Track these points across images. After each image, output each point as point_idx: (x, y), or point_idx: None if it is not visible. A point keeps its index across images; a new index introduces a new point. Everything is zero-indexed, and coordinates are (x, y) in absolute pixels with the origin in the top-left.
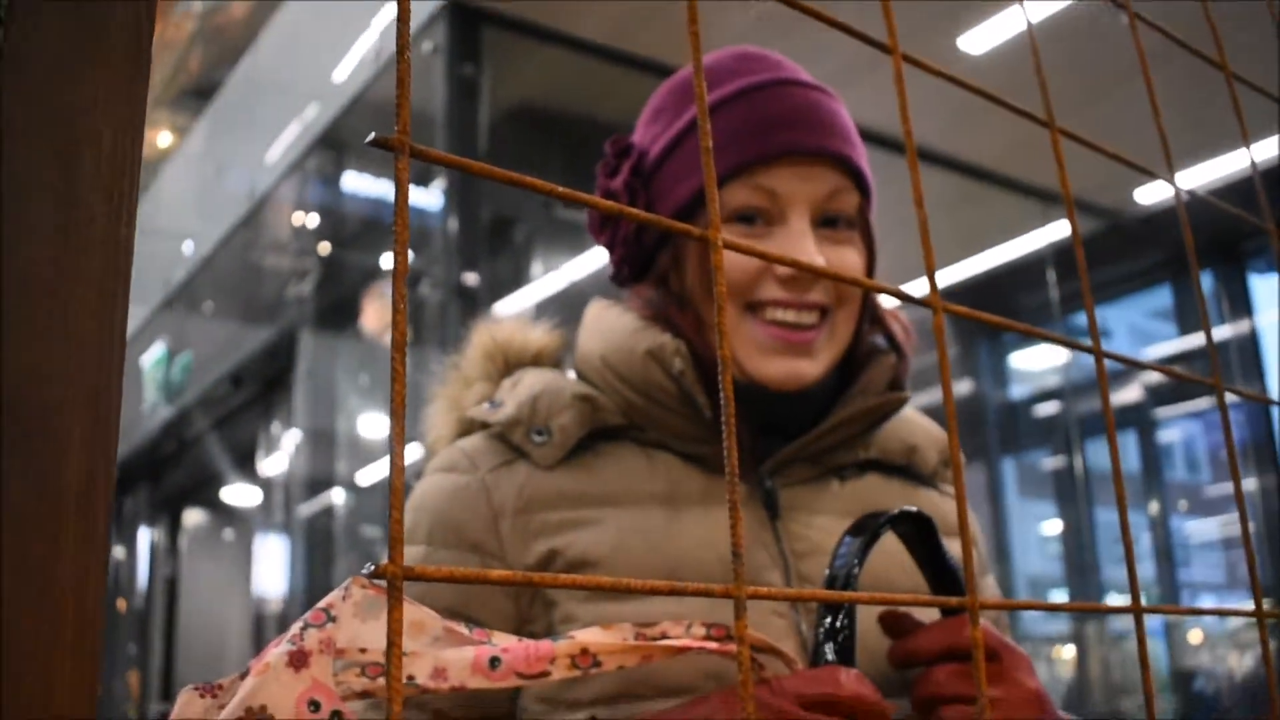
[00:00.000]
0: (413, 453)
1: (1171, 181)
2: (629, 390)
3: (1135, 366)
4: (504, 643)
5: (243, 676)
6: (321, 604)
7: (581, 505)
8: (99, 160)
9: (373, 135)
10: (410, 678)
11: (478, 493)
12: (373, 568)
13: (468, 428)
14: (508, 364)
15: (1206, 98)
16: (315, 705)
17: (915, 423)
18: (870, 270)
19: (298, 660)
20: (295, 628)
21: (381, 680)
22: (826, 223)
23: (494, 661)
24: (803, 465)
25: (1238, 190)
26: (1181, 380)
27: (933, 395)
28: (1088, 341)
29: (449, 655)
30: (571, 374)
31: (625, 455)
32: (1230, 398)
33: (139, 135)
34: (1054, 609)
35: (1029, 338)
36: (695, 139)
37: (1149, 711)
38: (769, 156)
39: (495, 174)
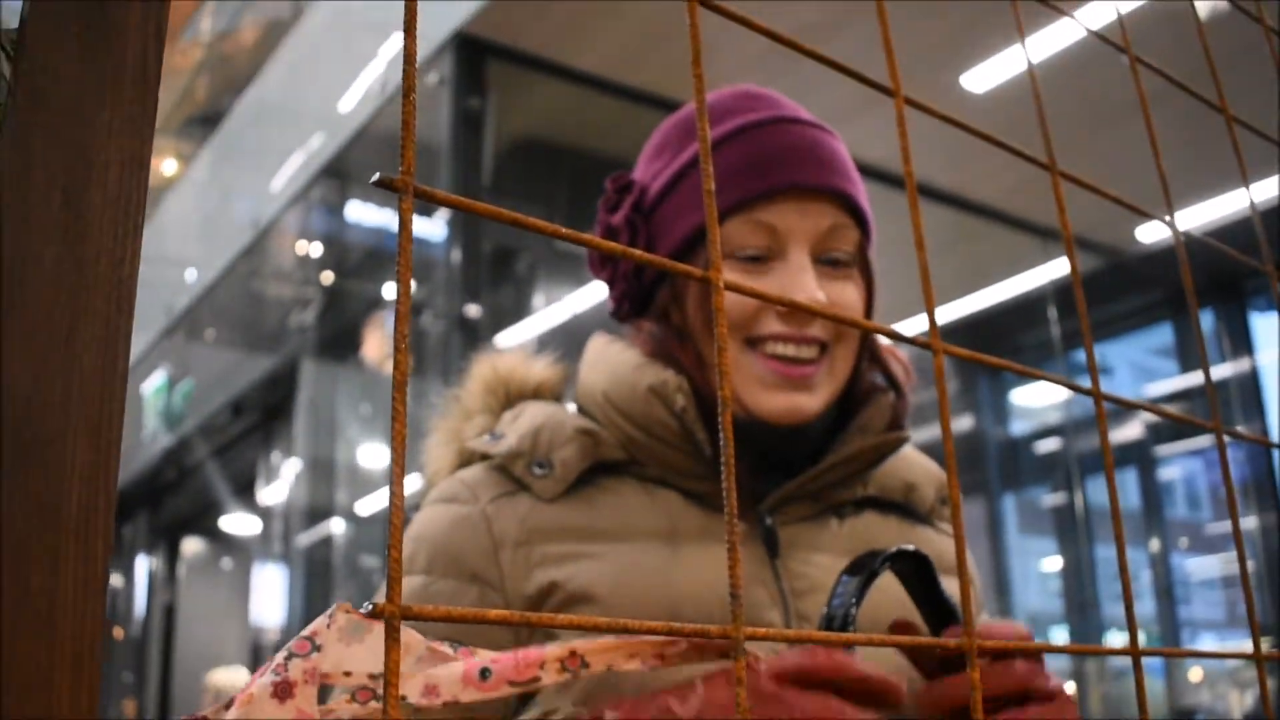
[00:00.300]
0: (412, 484)
1: (1171, 224)
2: (630, 426)
3: (1134, 408)
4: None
5: (227, 707)
6: (306, 632)
7: (583, 539)
8: (105, 198)
9: (377, 175)
10: (402, 698)
11: (478, 523)
12: (370, 607)
13: (467, 459)
14: (509, 396)
15: (1210, 135)
16: None
17: (914, 461)
18: (869, 307)
19: (282, 691)
20: (279, 657)
21: (374, 704)
22: (827, 259)
23: (484, 672)
24: (802, 503)
25: (1241, 228)
26: (1180, 422)
27: (933, 431)
28: (1088, 382)
29: (439, 672)
30: (572, 408)
31: (626, 491)
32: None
33: (145, 171)
34: (1051, 650)
35: (1032, 376)
36: (696, 176)
37: None
38: (770, 193)
39: (497, 214)
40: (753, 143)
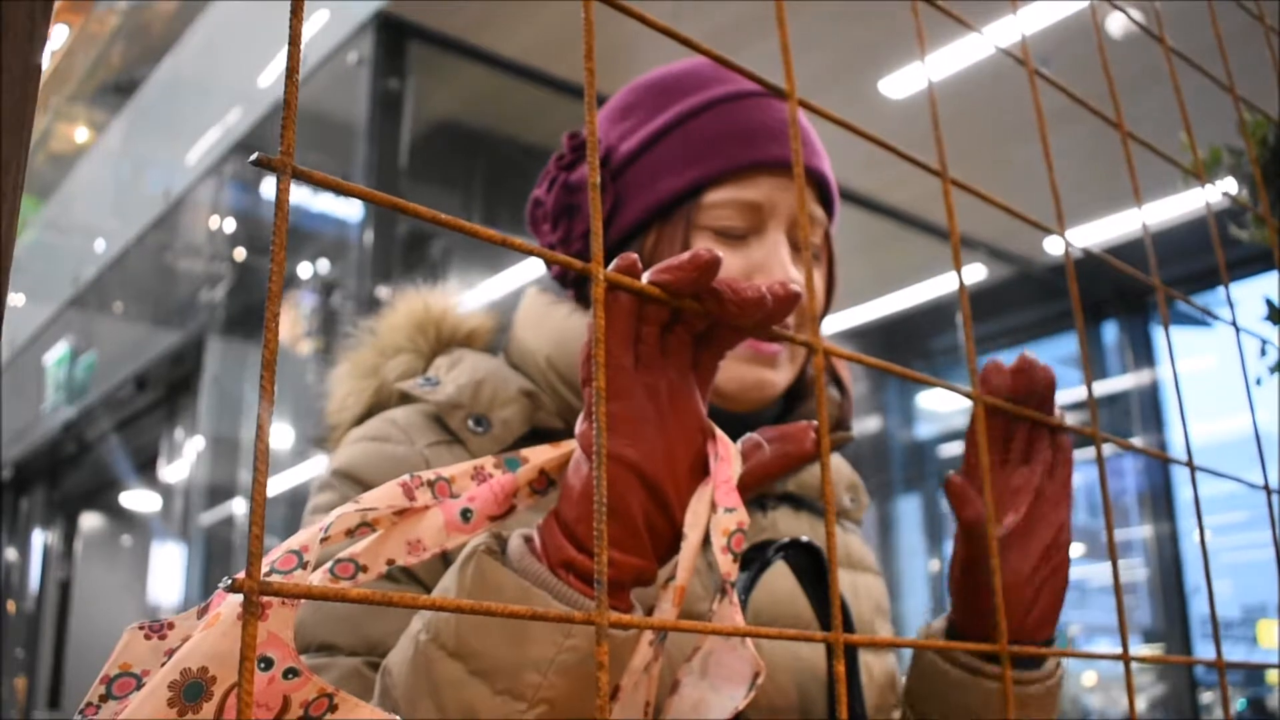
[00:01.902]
0: (310, 468)
1: (1063, 235)
2: (574, 396)
3: (1014, 415)
4: (462, 489)
5: (200, 614)
6: (293, 544)
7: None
8: None
9: (255, 155)
10: (390, 562)
11: (419, 466)
12: (230, 581)
13: (385, 399)
14: (439, 339)
15: (1132, 148)
16: (267, 663)
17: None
18: (830, 288)
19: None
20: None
21: (361, 577)
22: (795, 247)
23: (465, 514)
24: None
25: (1159, 239)
26: (1062, 430)
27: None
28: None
29: (418, 525)
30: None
31: None
32: (1136, 443)
33: (27, 135)
34: (922, 646)
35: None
36: (679, 135)
37: None
38: (756, 166)
39: (375, 198)
40: (740, 112)
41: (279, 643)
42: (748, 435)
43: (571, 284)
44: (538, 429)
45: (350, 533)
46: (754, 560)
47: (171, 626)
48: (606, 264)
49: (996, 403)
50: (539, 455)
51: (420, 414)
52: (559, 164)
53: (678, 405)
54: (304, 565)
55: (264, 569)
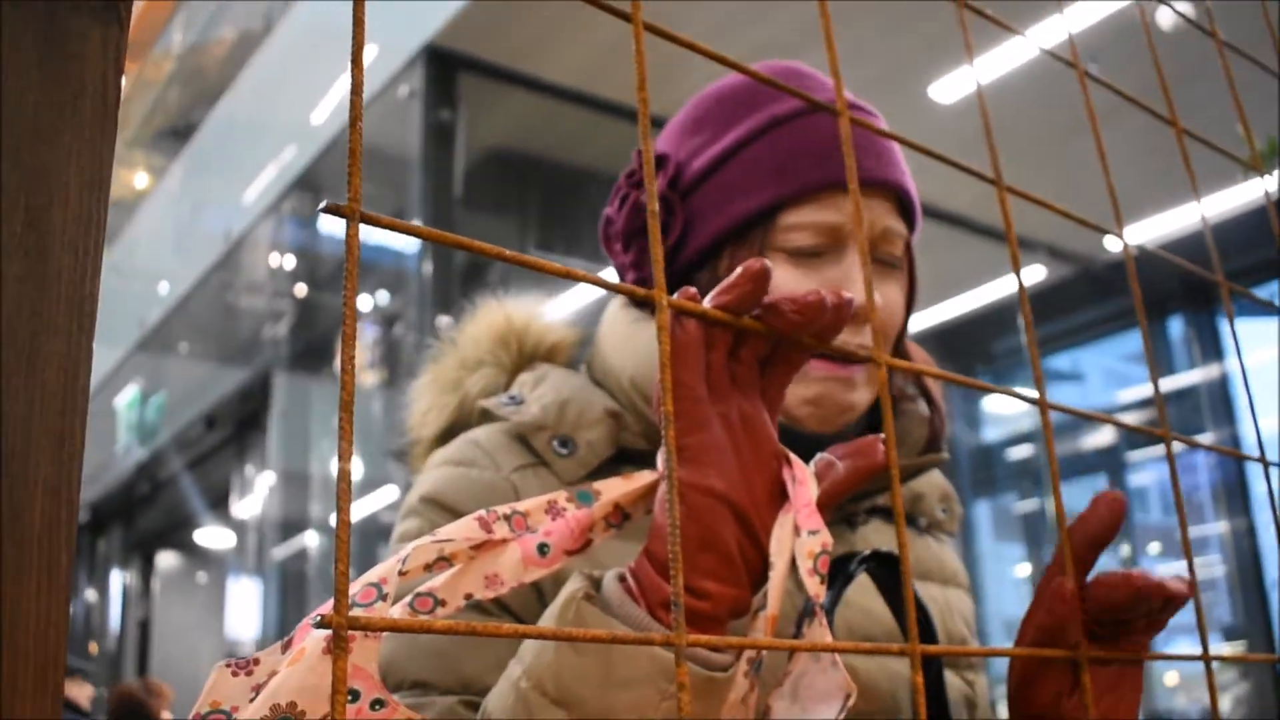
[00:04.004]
0: (381, 498)
1: (1120, 236)
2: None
3: (1081, 417)
4: (538, 524)
5: (285, 648)
6: (372, 577)
7: None
8: (66, 217)
9: (324, 203)
10: (469, 596)
11: (506, 492)
12: (319, 618)
13: (470, 415)
14: (522, 352)
15: (1192, 141)
16: (354, 695)
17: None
18: (910, 303)
19: None
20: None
21: (439, 611)
22: (877, 258)
23: (542, 549)
24: (824, 511)
25: (1218, 231)
26: (1129, 431)
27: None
28: (1053, 391)
29: (496, 560)
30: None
31: None
32: (1208, 437)
33: (105, 191)
34: (996, 654)
35: (999, 380)
36: (754, 152)
37: None
38: (835, 183)
39: (441, 238)
40: (813, 128)
41: (364, 675)
42: (819, 456)
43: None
44: (624, 450)
45: (428, 567)
46: (837, 575)
47: (257, 662)
48: (676, 290)
49: (1060, 407)
50: (612, 489)
51: (504, 434)
52: (630, 180)
53: (751, 433)
54: (384, 597)
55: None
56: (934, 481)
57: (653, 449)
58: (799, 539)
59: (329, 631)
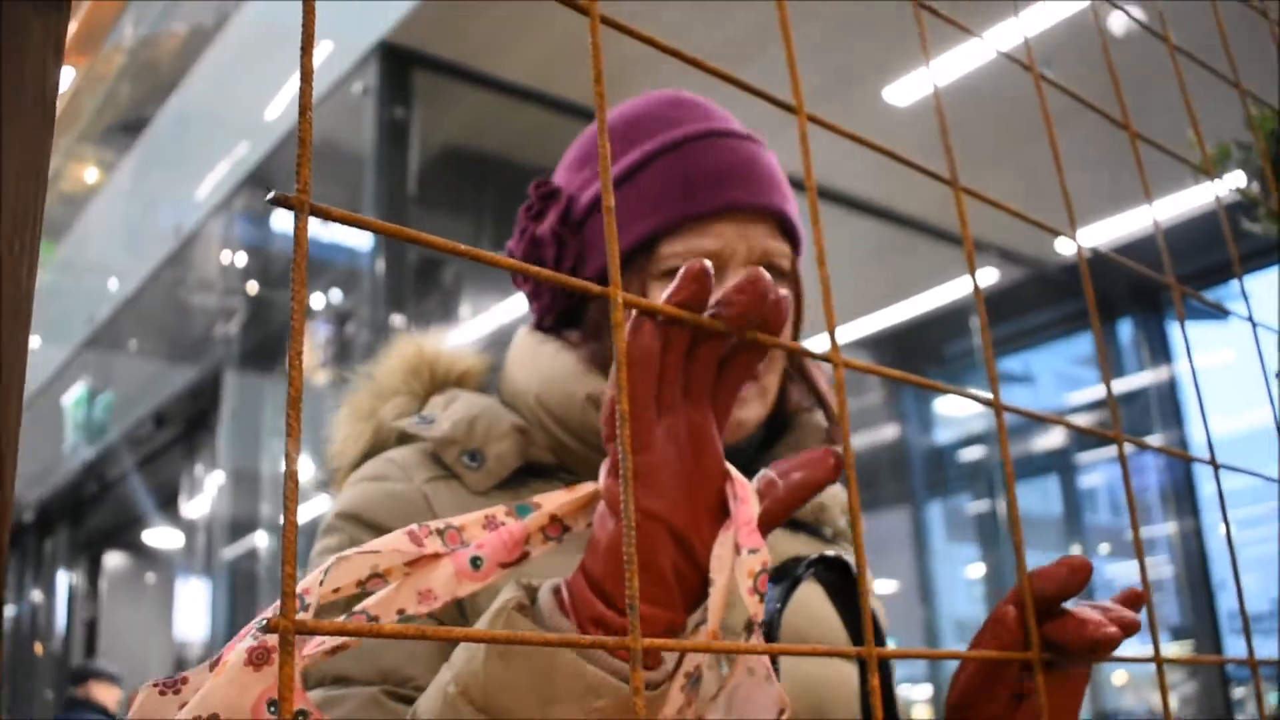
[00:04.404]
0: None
1: (1074, 238)
2: (563, 432)
3: (1035, 419)
4: (473, 538)
5: (212, 666)
6: (297, 590)
7: None
8: (2, 210)
9: (272, 194)
10: (401, 612)
11: (418, 501)
12: (265, 622)
13: (384, 440)
14: (433, 380)
15: (1144, 145)
16: (275, 705)
17: None
18: (798, 320)
19: (258, 658)
20: (259, 620)
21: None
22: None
23: (475, 562)
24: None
25: (1170, 235)
26: (1083, 433)
27: (857, 439)
28: (1007, 393)
29: (429, 575)
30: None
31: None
32: (1157, 440)
33: (43, 183)
34: (949, 657)
35: (951, 383)
36: (634, 186)
37: None
38: (711, 212)
39: (394, 231)
40: (687, 159)
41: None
42: (762, 473)
43: (558, 323)
44: (531, 464)
45: (361, 584)
46: (784, 579)
47: (185, 681)
48: (584, 304)
49: (1015, 409)
50: (552, 501)
51: (417, 452)
52: (527, 214)
53: (699, 448)
54: (306, 609)
55: (269, 613)
56: (834, 493)
57: (560, 463)
58: (739, 557)
59: (251, 644)
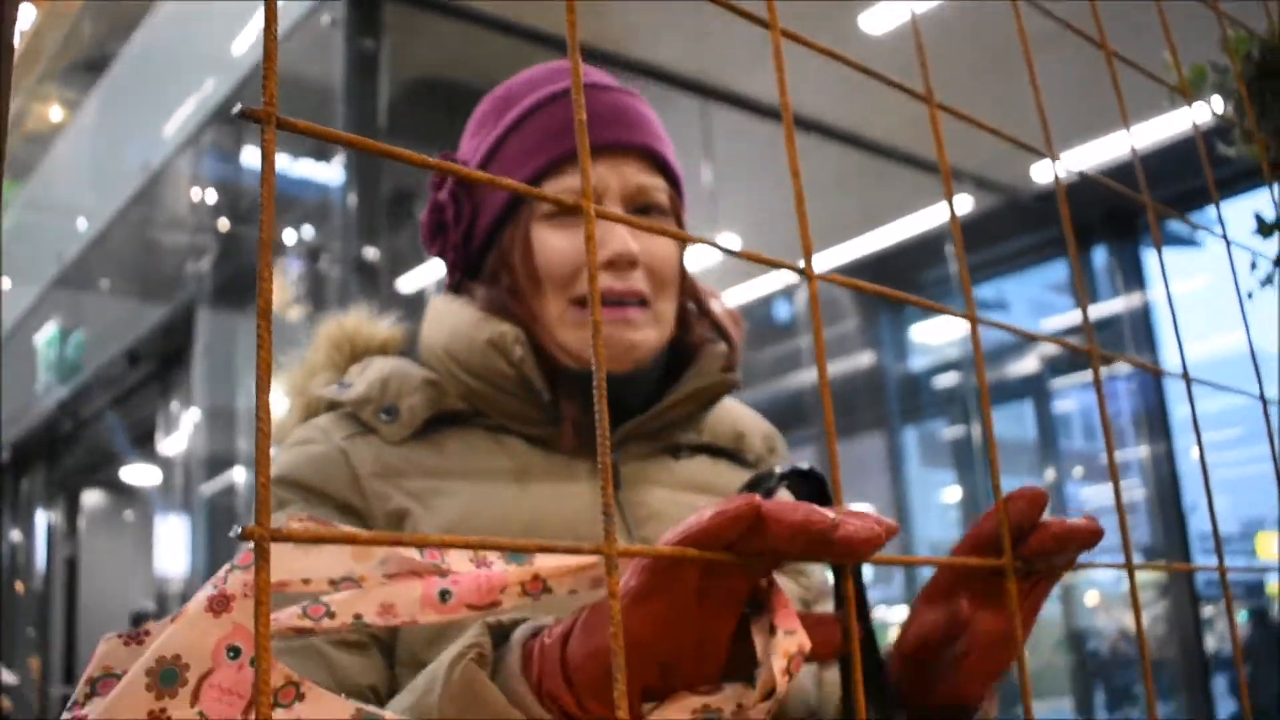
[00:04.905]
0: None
1: (1053, 156)
2: (470, 378)
3: (1011, 332)
4: (456, 568)
5: (174, 620)
6: (239, 561)
7: (433, 476)
8: None
9: (239, 107)
10: (358, 616)
11: (336, 457)
12: (239, 530)
13: (314, 410)
14: (354, 353)
15: (1122, 69)
16: (235, 651)
17: (741, 412)
18: (682, 252)
19: (218, 605)
20: (222, 571)
21: (326, 621)
22: (640, 211)
23: (444, 594)
24: (641, 443)
25: (1145, 162)
26: (1059, 345)
27: (835, 365)
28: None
29: (396, 590)
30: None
31: (473, 438)
32: (1125, 367)
33: (4, 124)
34: (923, 563)
35: (929, 311)
36: (511, 144)
37: (1022, 675)
38: (575, 152)
39: (362, 144)
40: (560, 109)
41: (245, 633)
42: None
43: (464, 278)
44: (445, 413)
45: (334, 582)
46: (756, 489)
47: (148, 634)
48: (482, 258)
49: (990, 322)
50: (545, 560)
51: (337, 416)
52: (432, 184)
53: (721, 598)
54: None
55: (228, 568)
56: (757, 422)
57: (472, 410)
58: (774, 638)
59: (212, 592)
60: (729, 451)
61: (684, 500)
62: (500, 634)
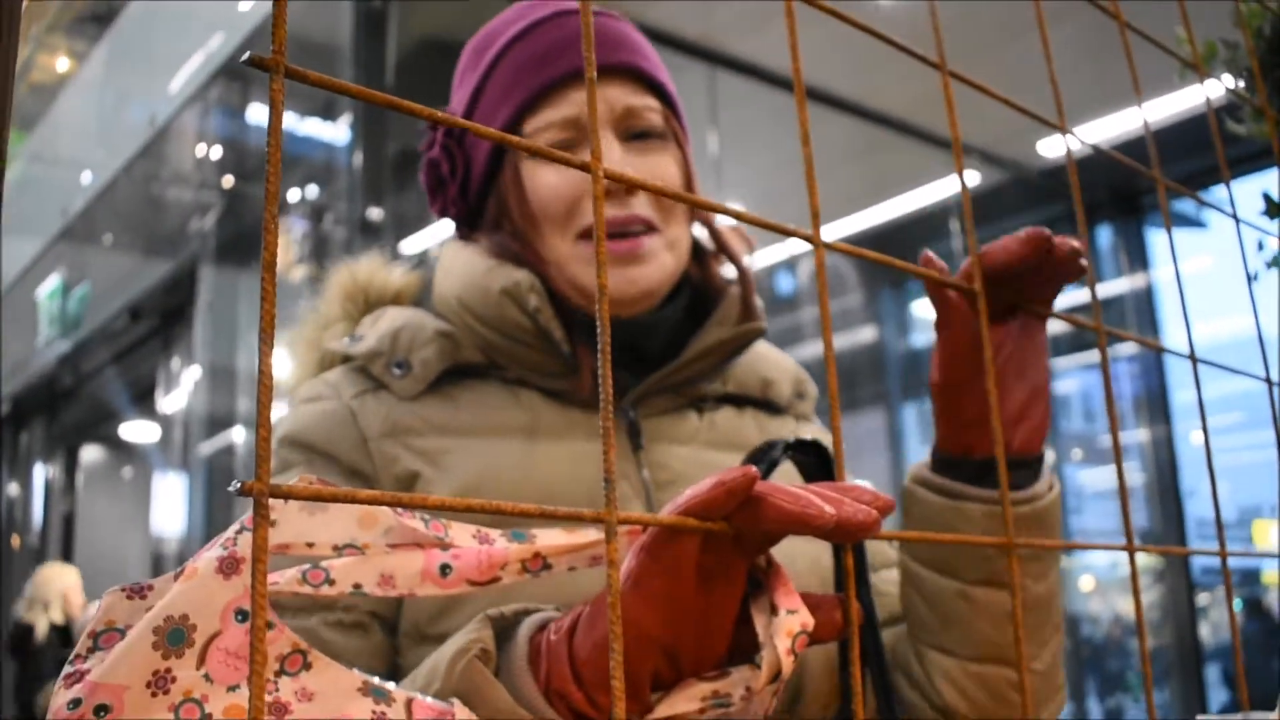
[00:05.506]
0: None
1: (1062, 129)
2: (486, 329)
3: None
4: (458, 542)
5: (176, 577)
6: (236, 526)
7: (444, 434)
8: None
9: (248, 54)
10: (357, 586)
11: (345, 417)
12: (239, 485)
13: (329, 363)
14: (368, 303)
15: (1134, 42)
16: (244, 615)
17: (769, 357)
18: (688, 177)
19: (228, 567)
20: (231, 531)
21: (326, 589)
22: (636, 136)
23: (444, 569)
24: (664, 397)
25: (1156, 139)
26: (1065, 321)
27: (837, 340)
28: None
29: (397, 561)
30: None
31: (488, 391)
32: (1131, 348)
33: (10, 72)
34: (923, 539)
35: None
36: (492, 86)
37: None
38: (555, 83)
39: (368, 95)
40: (534, 40)
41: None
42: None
43: (469, 228)
44: (461, 365)
45: (337, 548)
46: (760, 461)
47: (151, 588)
48: (482, 207)
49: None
50: (546, 538)
51: (348, 370)
52: (424, 143)
53: (720, 575)
54: (273, 524)
55: (237, 527)
56: (784, 366)
57: (489, 362)
58: (776, 618)
59: (221, 554)
60: (755, 400)
61: (708, 459)
62: (502, 624)
